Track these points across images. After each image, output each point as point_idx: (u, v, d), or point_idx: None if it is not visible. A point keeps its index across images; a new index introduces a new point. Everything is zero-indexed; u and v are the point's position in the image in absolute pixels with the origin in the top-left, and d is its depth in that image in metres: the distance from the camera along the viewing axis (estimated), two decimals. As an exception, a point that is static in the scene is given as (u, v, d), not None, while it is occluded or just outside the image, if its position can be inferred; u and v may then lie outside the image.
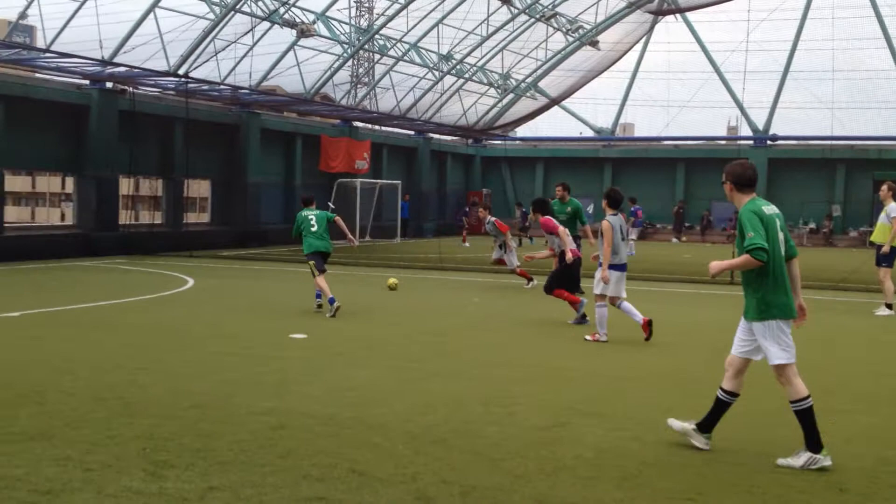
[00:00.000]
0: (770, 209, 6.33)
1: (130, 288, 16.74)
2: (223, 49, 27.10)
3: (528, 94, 43.11)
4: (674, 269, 23.07)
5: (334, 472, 5.70)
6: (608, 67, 43.16)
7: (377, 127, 39.79)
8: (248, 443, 6.30)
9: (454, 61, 36.41)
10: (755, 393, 8.05)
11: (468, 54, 36.21)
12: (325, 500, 5.19)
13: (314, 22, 28.93)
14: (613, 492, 5.49)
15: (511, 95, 42.51)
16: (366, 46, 33.12)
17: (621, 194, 11.82)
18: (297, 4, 27.80)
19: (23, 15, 25.30)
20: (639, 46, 43.62)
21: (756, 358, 6.37)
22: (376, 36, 32.51)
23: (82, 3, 23.23)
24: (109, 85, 25.89)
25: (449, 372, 9.19)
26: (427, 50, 35.26)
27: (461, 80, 38.41)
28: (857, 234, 40.95)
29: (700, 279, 19.68)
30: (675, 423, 6.61)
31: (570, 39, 38.87)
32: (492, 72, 39.80)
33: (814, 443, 6.08)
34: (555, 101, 44.17)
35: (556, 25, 36.48)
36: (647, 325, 11.42)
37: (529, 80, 42.02)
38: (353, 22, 33.87)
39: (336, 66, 32.16)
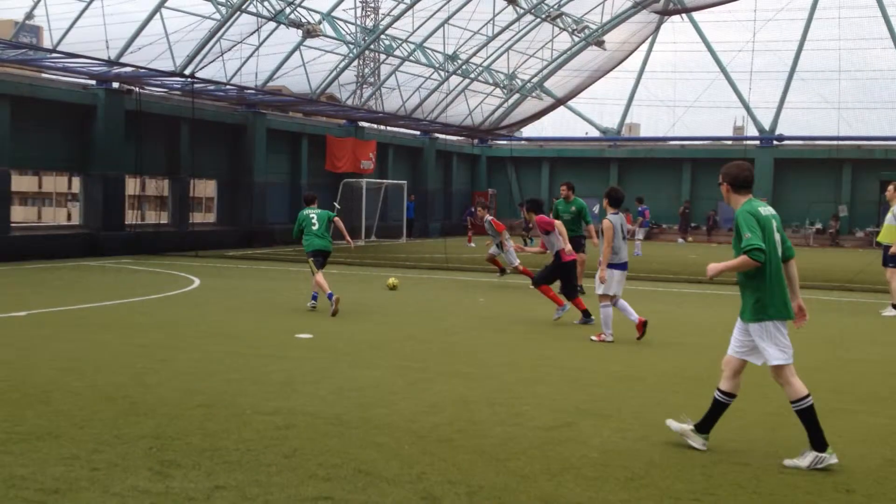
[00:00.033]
0: (766, 210, 6.33)
1: (137, 288, 16.76)
2: (229, 49, 27.12)
3: (533, 95, 43.09)
4: (680, 269, 23.04)
5: (340, 471, 5.71)
6: (614, 67, 43.14)
7: (383, 127, 39.80)
8: (255, 442, 6.31)
9: (460, 61, 36.40)
10: (761, 393, 8.06)
11: (474, 54, 36.19)
12: (331, 500, 5.20)
13: (320, 22, 28.95)
14: (619, 492, 5.49)
15: (517, 95, 42.49)
16: (371, 46, 33.13)
17: (622, 193, 11.87)
18: (303, 5, 27.83)
19: (29, 15, 25.37)
20: (645, 46, 43.59)
21: (753, 360, 6.35)
22: (382, 36, 32.51)
23: (88, 4, 23.27)
24: (116, 85, 25.93)
25: (455, 372, 9.19)
26: (433, 50, 35.27)
27: (467, 81, 38.41)
28: (863, 234, 40.85)
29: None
30: (673, 424, 6.61)
31: (576, 39, 38.83)
32: (497, 72, 39.79)
33: (818, 442, 6.07)
34: (560, 102, 44.16)
35: (561, 25, 36.45)
36: (642, 326, 11.47)
37: (535, 80, 42.00)
38: (358, 22, 33.88)
39: (342, 66, 32.17)
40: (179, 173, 28.57)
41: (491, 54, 37.41)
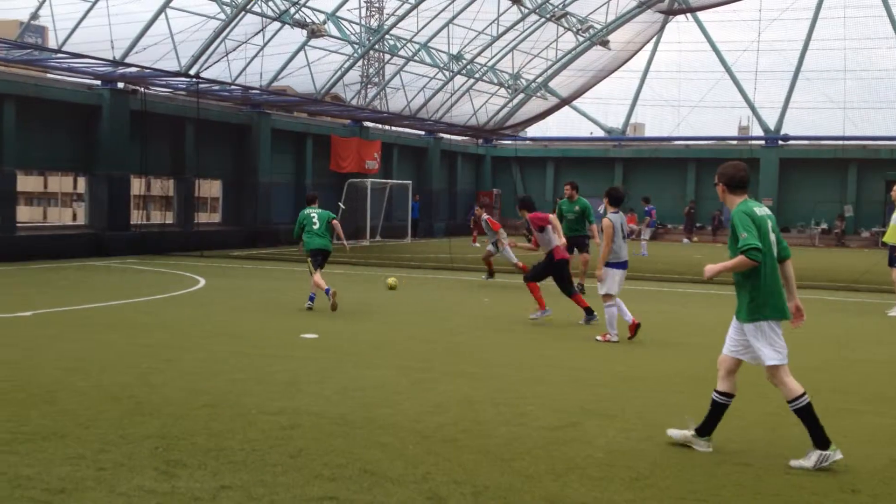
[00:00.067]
0: (762, 210, 6.33)
1: (142, 288, 16.79)
2: (234, 49, 27.17)
3: (538, 94, 43.07)
4: (685, 269, 23.00)
5: (346, 471, 5.71)
6: (619, 67, 43.08)
7: (387, 127, 39.81)
8: (260, 442, 6.31)
9: (464, 61, 36.40)
10: (760, 393, 8.04)
11: (478, 54, 36.20)
12: (337, 500, 5.20)
13: (324, 22, 28.97)
14: (624, 492, 5.49)
15: (521, 95, 42.48)
16: (376, 46, 33.14)
17: (623, 193, 11.97)
18: (308, 5, 27.85)
19: (34, 16, 25.42)
20: (649, 46, 43.54)
21: (748, 360, 6.35)
22: (386, 36, 32.54)
23: (94, 4, 23.32)
24: (121, 85, 25.97)
25: (459, 372, 9.19)
26: (437, 50, 35.26)
27: (471, 80, 38.40)
28: (869, 234, 40.76)
29: (719, 280, 19.61)
30: (674, 433, 6.60)
31: (581, 39, 38.82)
32: (502, 72, 39.78)
33: (820, 439, 6.06)
34: (565, 101, 44.13)
35: (566, 25, 36.43)
36: (635, 328, 11.53)
37: (540, 80, 41.98)
38: (363, 22, 33.90)
39: (346, 66, 32.20)
40: (184, 173, 28.60)
41: (495, 54, 37.41)
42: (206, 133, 28.81)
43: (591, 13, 37.12)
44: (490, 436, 6.67)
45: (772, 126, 42.36)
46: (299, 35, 28.58)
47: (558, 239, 13.11)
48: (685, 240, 42.02)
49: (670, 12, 40.70)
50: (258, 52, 28.28)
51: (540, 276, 13.28)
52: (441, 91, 37.26)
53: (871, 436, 7.01)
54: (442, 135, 42.55)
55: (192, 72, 25.96)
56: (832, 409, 7.85)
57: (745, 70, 41.49)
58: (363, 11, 35.67)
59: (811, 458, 6.04)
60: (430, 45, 34.44)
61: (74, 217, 63.39)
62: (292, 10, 27.30)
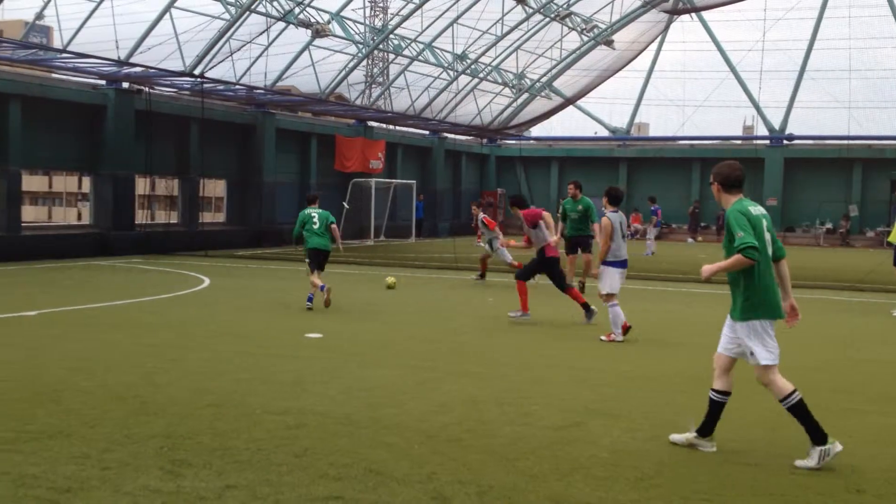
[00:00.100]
0: (757, 209, 6.35)
1: (146, 287, 16.81)
2: (238, 49, 27.17)
3: (542, 94, 43.05)
4: (689, 269, 22.96)
5: (351, 471, 5.71)
6: (623, 67, 43.05)
7: (392, 127, 39.81)
8: (265, 442, 6.32)
9: (469, 61, 36.39)
10: (760, 392, 8.00)
11: (483, 54, 36.18)
12: (342, 499, 5.20)
13: (329, 22, 28.98)
14: (629, 492, 5.48)
15: (526, 95, 42.45)
16: (380, 46, 33.16)
17: (622, 192, 12.10)
18: (312, 4, 27.85)
19: (39, 15, 25.46)
20: (654, 46, 43.51)
21: (744, 358, 6.36)
22: (391, 36, 32.54)
23: (98, 4, 23.34)
24: (126, 85, 26.00)
25: (463, 372, 9.19)
26: (442, 50, 35.26)
27: (476, 80, 38.40)
28: (874, 234, 40.68)
29: (716, 279, 19.59)
30: (677, 437, 6.59)
31: (585, 39, 38.78)
32: (506, 71, 39.76)
33: (817, 435, 6.06)
34: (569, 101, 44.11)
35: (570, 25, 36.41)
36: (625, 330, 11.52)
37: (544, 79, 41.96)
38: (367, 22, 33.92)
39: (351, 65, 32.21)
40: (189, 173, 28.63)
41: (500, 54, 37.39)
42: (211, 133, 28.84)
43: (595, 13, 37.09)
44: (495, 435, 6.67)
45: (776, 126, 42.30)
46: (304, 35, 28.59)
47: (551, 236, 13.12)
48: (690, 239, 41.96)
49: (675, 12, 40.66)
50: (262, 52, 28.29)
51: (531, 273, 13.28)
52: (445, 91, 37.26)
53: (877, 436, 6.99)
54: (446, 134, 42.55)
55: (196, 72, 25.99)
56: (837, 409, 7.85)
57: (750, 70, 41.47)
58: (367, 11, 35.71)
59: (814, 457, 6.03)
60: (434, 44, 34.43)
61: (79, 217, 63.53)
62: (297, 10, 27.31)
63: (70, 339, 10.74)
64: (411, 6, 30.57)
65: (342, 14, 30.03)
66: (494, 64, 38.07)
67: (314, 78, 31.04)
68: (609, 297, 11.50)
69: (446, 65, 36.15)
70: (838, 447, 6.02)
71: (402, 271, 21.31)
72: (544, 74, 41.54)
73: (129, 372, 8.73)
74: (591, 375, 9.25)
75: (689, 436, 6.51)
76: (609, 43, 39.25)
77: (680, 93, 43.29)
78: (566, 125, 46.63)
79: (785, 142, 42.43)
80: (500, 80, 39.91)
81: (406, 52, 34.03)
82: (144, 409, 7.24)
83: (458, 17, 32.65)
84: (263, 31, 27.38)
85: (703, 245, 38.92)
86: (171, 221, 29.10)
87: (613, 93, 45.04)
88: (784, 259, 6.47)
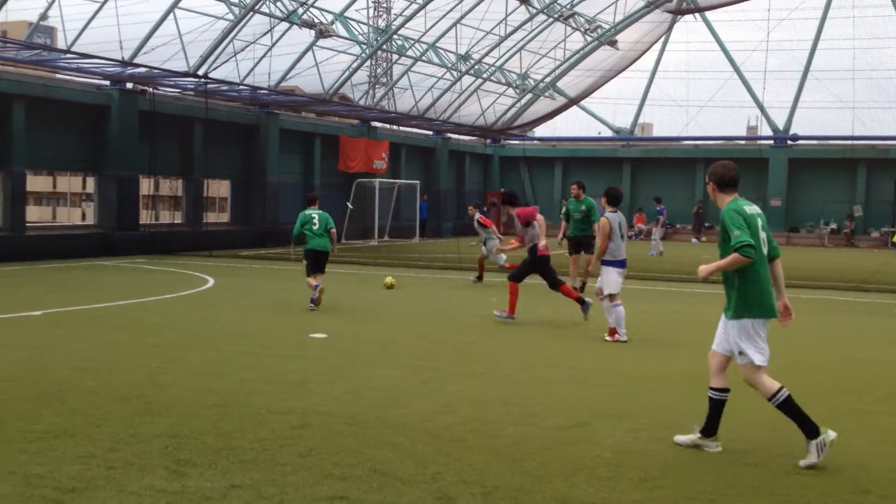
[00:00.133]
0: (752, 209, 6.37)
1: (151, 287, 16.83)
2: (242, 50, 27.20)
3: (546, 94, 43.04)
4: (693, 269, 22.94)
5: (356, 471, 5.71)
6: (627, 67, 43.04)
7: (395, 127, 39.83)
8: (270, 442, 6.32)
9: (472, 61, 36.39)
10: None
11: (486, 54, 36.18)
12: (347, 500, 5.20)
13: (332, 22, 28.99)
14: (633, 493, 5.48)
15: (529, 95, 42.45)
16: (384, 47, 33.16)
17: (621, 192, 12.16)
18: (316, 5, 27.88)
19: (43, 16, 25.50)
20: (658, 46, 43.47)
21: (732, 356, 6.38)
22: (394, 36, 32.55)
23: (102, 5, 23.36)
24: (130, 85, 26.04)
25: (468, 372, 9.19)
26: (445, 50, 35.27)
27: (479, 80, 38.39)
28: (878, 234, 40.62)
29: (720, 280, 19.56)
30: (682, 439, 6.59)
31: (589, 39, 38.77)
32: (510, 72, 39.76)
33: (809, 429, 6.06)
34: (573, 101, 44.10)
35: (574, 25, 36.40)
36: (613, 332, 11.56)
37: (548, 79, 41.95)
38: (371, 22, 33.94)
39: (354, 66, 32.22)
40: (193, 173, 28.66)
41: (503, 54, 37.40)
42: (215, 133, 28.86)
43: (599, 13, 37.08)
44: (499, 436, 6.67)
45: (781, 126, 42.25)
46: (307, 35, 28.61)
47: (542, 238, 13.08)
48: (694, 240, 41.91)
49: (678, 12, 40.64)
50: (266, 53, 28.31)
51: (524, 274, 13.23)
52: (449, 91, 37.27)
53: (882, 436, 6.98)
54: (450, 135, 42.56)
55: (200, 72, 26.01)
56: (842, 409, 7.84)
57: (754, 70, 41.41)
58: (371, 12, 35.71)
59: (812, 452, 6.04)
60: (437, 45, 34.45)
61: (83, 217, 63.59)
62: (300, 11, 27.33)
63: (75, 339, 10.75)
64: (415, 6, 30.58)
65: (346, 14, 30.05)
66: (498, 64, 38.07)
67: (318, 78, 31.06)
68: (612, 297, 11.53)
69: (450, 65, 36.15)
70: (832, 435, 6.03)
71: (405, 271, 21.32)
72: (548, 75, 41.54)
73: (133, 372, 8.74)
74: (594, 376, 9.24)
75: (694, 437, 6.51)
76: (613, 43, 39.23)
77: (684, 93, 43.26)
78: (570, 125, 46.61)
79: (789, 142, 42.37)
80: (503, 81, 39.91)
81: (409, 53, 34.04)
82: (149, 408, 7.25)
83: (462, 17, 32.65)
84: (267, 32, 27.40)
85: (707, 245, 38.83)
86: (175, 222, 29.14)
87: (617, 93, 45.02)
88: (778, 259, 6.49)
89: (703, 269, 6.38)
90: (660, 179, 44.27)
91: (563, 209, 17.56)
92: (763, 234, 6.30)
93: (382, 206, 35.52)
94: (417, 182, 38.32)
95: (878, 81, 40.51)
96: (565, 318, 13.35)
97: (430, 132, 42.06)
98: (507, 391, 8.26)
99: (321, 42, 29.31)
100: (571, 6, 34.85)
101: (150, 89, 26.45)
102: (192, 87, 27.75)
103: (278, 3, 26.63)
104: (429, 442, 6.44)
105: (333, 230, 14.70)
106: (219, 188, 37.83)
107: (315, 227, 14.39)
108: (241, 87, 28.34)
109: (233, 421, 6.89)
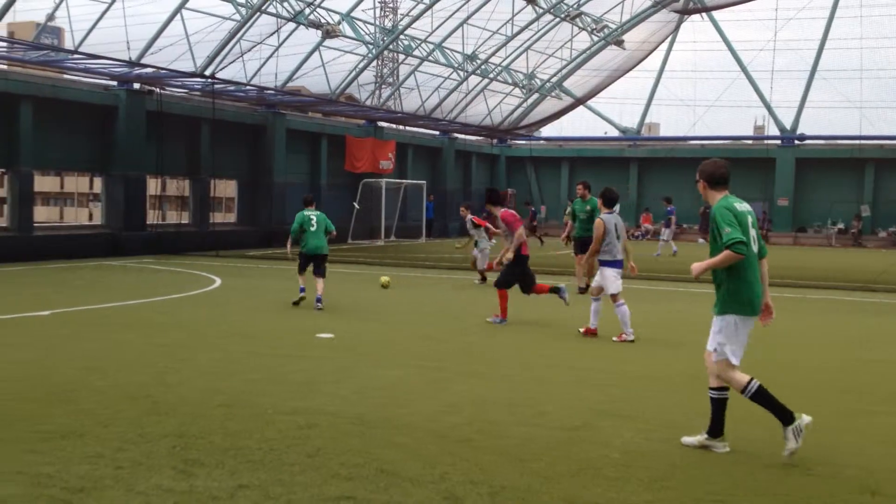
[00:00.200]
0: (742, 206, 6.43)
1: (158, 287, 16.87)
2: (249, 50, 27.24)
3: (553, 94, 43.00)
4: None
5: (363, 471, 5.72)
6: (634, 67, 42.96)
7: (402, 127, 39.84)
8: (277, 442, 6.34)
9: (479, 61, 36.38)
10: (778, 394, 8.00)
11: (493, 54, 36.17)
12: (354, 500, 5.21)
13: (339, 23, 29.01)
14: (642, 493, 5.48)
15: (536, 95, 42.42)
16: (390, 47, 33.18)
17: (616, 193, 12.31)
18: (322, 5, 27.89)
19: (51, 17, 25.54)
20: (664, 46, 43.41)
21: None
22: (401, 36, 32.56)
23: (110, 5, 23.41)
24: (137, 86, 26.09)
25: (474, 372, 9.20)
26: (452, 50, 35.26)
27: (486, 80, 38.38)
28: (886, 234, 40.53)
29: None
30: (689, 440, 6.60)
31: (596, 39, 38.73)
32: (517, 72, 39.74)
33: (784, 416, 6.16)
34: (580, 101, 44.04)
35: (581, 25, 36.37)
36: (592, 333, 11.69)
37: (554, 79, 41.91)
38: (377, 22, 33.94)
39: (361, 66, 32.24)
40: (200, 173, 28.71)
41: (510, 54, 37.37)
42: (222, 133, 28.91)
43: (605, 13, 37.03)
44: (505, 436, 6.67)
45: (788, 126, 42.16)
46: (314, 35, 28.64)
47: (511, 250, 12.95)
48: (700, 240, 41.80)
49: (685, 12, 40.56)
50: (273, 53, 28.34)
51: (509, 278, 13.06)
52: (455, 91, 37.26)
53: (888, 436, 6.96)
54: (456, 135, 42.55)
55: (207, 72, 26.06)
56: (848, 409, 7.83)
57: (761, 69, 41.35)
58: (377, 12, 35.71)
59: (790, 438, 6.11)
60: (444, 45, 34.43)
61: (91, 217, 63.78)
62: (307, 11, 27.35)
63: (82, 339, 10.78)
64: (421, 7, 30.57)
65: (352, 15, 30.06)
66: (504, 64, 38.05)
67: (324, 78, 31.07)
68: (614, 297, 11.57)
69: (456, 65, 36.14)
70: (806, 419, 6.12)
71: (411, 271, 21.34)
72: (554, 74, 41.50)
73: (141, 372, 8.77)
74: (599, 376, 9.24)
75: (701, 438, 6.52)
76: (619, 43, 39.18)
77: (691, 93, 43.23)
78: (576, 125, 46.59)
79: (796, 142, 42.29)
80: (510, 81, 39.89)
81: (416, 53, 34.04)
82: (156, 408, 7.27)
83: (468, 17, 32.65)
84: (274, 32, 27.44)
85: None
86: (182, 222, 29.18)
87: (624, 93, 45.04)
88: (765, 258, 6.56)
89: (696, 266, 6.43)
90: (666, 179, 44.19)
91: (569, 209, 17.58)
92: (753, 232, 6.37)
93: (389, 207, 35.53)
94: (424, 182, 38.32)
95: (885, 81, 40.45)
96: (566, 319, 13.34)
97: (437, 132, 42.06)
98: (513, 391, 8.26)
99: (328, 42, 29.33)
100: (578, 6, 34.82)
101: (158, 90, 26.51)
102: (199, 87, 27.81)
103: (285, 4, 26.66)
104: (435, 442, 6.44)
105: (334, 233, 14.65)
106: (226, 188, 37.94)
107: (313, 229, 14.34)
108: (248, 87, 28.38)
109: (240, 421, 6.90)
